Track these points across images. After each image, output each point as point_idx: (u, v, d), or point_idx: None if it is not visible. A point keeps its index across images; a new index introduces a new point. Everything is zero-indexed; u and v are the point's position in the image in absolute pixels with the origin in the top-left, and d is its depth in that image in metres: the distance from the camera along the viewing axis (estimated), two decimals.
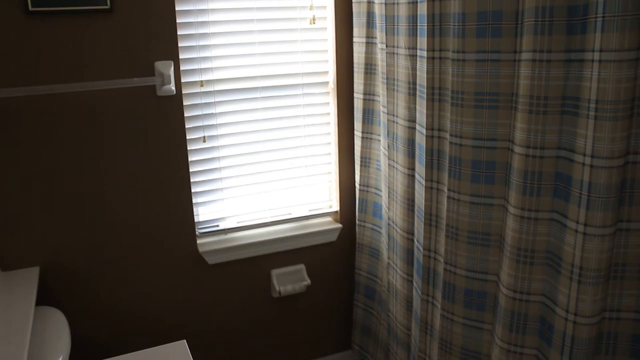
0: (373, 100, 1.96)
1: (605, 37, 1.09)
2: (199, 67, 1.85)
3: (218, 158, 1.95)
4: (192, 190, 1.91)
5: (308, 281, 2.12)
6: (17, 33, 1.58)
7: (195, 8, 1.80)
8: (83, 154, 1.73)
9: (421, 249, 1.67)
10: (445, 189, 1.53)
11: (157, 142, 1.81)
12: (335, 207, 2.18)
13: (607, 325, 1.29)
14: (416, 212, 1.70)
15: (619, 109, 1.11)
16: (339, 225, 2.15)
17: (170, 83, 1.76)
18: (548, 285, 1.35)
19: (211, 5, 1.82)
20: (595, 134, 1.15)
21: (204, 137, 1.91)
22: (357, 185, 2.09)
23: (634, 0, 1.05)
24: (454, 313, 1.57)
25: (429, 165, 1.59)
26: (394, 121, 1.78)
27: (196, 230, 1.97)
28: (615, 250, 1.23)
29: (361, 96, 1.97)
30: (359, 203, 2.09)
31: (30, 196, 1.70)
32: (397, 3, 1.66)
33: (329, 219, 2.20)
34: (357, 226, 2.13)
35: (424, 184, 1.62)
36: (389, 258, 1.91)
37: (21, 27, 1.58)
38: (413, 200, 1.72)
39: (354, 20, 1.95)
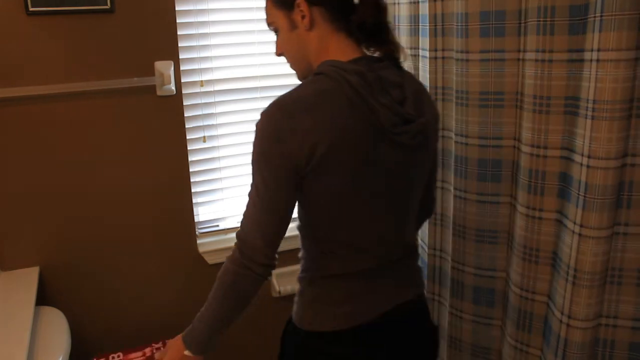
0: None
1: (603, 36, 1.09)
2: (199, 67, 1.85)
3: (218, 158, 1.94)
4: (192, 190, 1.91)
5: None
6: (17, 33, 1.58)
7: (195, 8, 1.79)
8: (83, 153, 1.73)
9: (426, 248, 1.67)
10: (452, 188, 1.53)
11: (157, 142, 1.81)
12: None
13: (604, 332, 1.26)
14: None
15: (615, 109, 1.10)
16: None
17: (170, 83, 1.75)
18: (551, 286, 1.34)
19: (211, 5, 1.81)
20: (592, 133, 1.14)
21: (204, 137, 1.90)
22: None
23: None
24: (463, 310, 1.57)
25: None
26: None
27: (196, 230, 1.96)
28: (612, 254, 1.21)
29: None
30: None
31: (30, 196, 1.70)
32: (398, 3, 1.66)
33: None
34: None
35: None
36: None
37: (21, 27, 1.58)
38: None
39: None
